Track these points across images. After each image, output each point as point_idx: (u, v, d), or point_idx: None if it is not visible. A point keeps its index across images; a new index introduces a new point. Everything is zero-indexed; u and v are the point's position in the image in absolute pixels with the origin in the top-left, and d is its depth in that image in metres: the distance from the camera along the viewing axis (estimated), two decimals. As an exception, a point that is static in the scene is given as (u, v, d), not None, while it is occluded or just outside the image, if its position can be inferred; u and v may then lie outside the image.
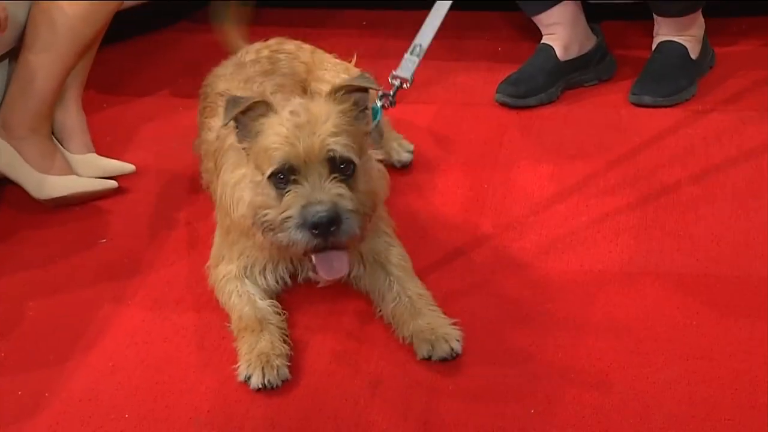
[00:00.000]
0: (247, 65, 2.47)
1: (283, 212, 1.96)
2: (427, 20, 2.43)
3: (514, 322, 2.19)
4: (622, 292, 2.26)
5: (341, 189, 1.95)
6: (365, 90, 2.04)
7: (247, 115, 2.03)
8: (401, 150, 2.78)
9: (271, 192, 1.99)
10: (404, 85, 2.37)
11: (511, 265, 2.38)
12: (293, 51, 2.60)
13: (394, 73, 2.38)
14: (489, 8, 3.71)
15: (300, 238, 1.94)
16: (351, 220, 1.94)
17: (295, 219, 1.94)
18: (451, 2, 2.43)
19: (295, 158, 1.95)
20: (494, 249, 2.44)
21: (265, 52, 2.54)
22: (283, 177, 1.97)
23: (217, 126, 2.32)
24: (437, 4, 2.44)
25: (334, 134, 1.96)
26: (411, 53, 2.40)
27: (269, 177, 1.98)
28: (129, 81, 3.42)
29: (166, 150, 2.96)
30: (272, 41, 2.63)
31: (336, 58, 2.69)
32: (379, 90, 2.06)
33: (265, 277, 2.23)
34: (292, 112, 2.00)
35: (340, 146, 1.95)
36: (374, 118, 2.27)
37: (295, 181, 1.96)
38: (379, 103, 2.31)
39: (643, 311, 2.20)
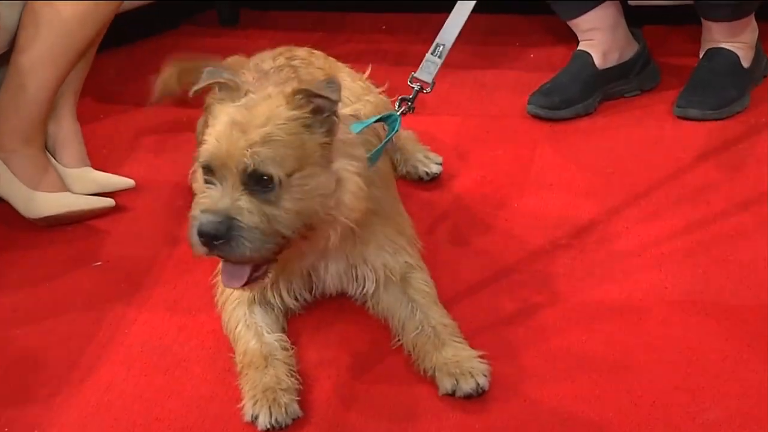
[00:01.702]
0: (271, 74, 2.50)
1: (192, 210, 2.03)
2: (451, 16, 2.43)
3: (546, 357, 2.19)
4: (666, 323, 2.26)
5: (246, 203, 1.97)
6: (338, 90, 2.03)
7: (219, 92, 2.09)
8: (429, 162, 2.82)
9: (202, 185, 2.06)
10: (425, 90, 2.38)
11: (543, 293, 2.39)
12: (306, 57, 2.63)
13: (413, 75, 2.39)
14: (520, 11, 3.73)
15: (194, 241, 2.00)
16: (243, 239, 1.96)
17: (193, 221, 1.99)
18: None
19: (216, 159, 2.00)
20: (524, 275, 2.45)
21: (281, 60, 2.57)
22: (208, 173, 2.03)
23: None
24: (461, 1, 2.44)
25: (263, 143, 1.97)
26: (432, 53, 2.40)
27: (201, 168, 2.05)
28: (128, 89, 3.45)
29: (168, 163, 2.99)
30: (280, 49, 2.66)
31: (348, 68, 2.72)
32: (336, 102, 2.03)
33: (280, 296, 2.26)
34: (239, 107, 2.03)
35: (261, 158, 1.96)
36: (392, 127, 2.29)
37: (213, 182, 2.01)
38: (398, 113, 2.33)
39: (688, 344, 2.20)
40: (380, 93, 2.71)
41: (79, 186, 2.77)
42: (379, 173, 2.27)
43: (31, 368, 2.26)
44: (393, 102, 2.67)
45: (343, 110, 2.24)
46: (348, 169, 2.07)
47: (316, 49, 2.71)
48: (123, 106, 3.33)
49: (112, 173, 2.85)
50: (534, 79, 3.22)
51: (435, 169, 2.82)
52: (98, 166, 2.85)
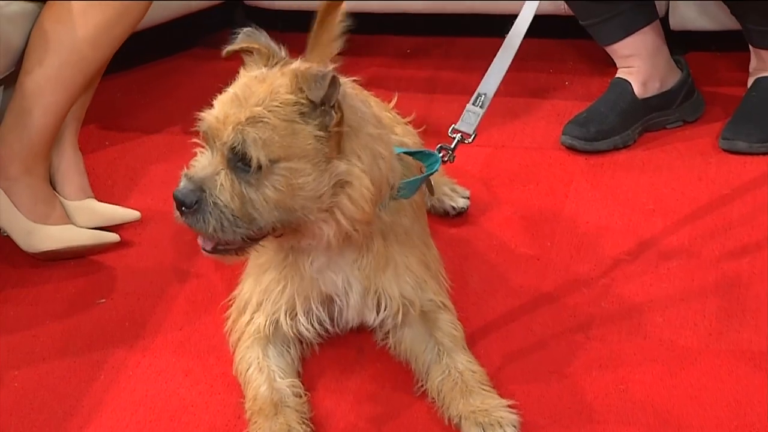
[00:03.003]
0: None
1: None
2: (493, 64, 2.48)
3: (581, 408, 2.19)
4: (710, 373, 2.26)
5: (224, 178, 2.03)
6: (334, 86, 2.03)
7: (253, 56, 2.14)
8: (455, 195, 2.83)
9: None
10: (466, 140, 2.42)
11: (578, 336, 2.38)
12: None
13: (454, 126, 2.44)
14: (554, 35, 3.74)
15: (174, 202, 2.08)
16: (209, 214, 2.03)
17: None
18: (520, 41, 2.47)
19: (211, 129, 2.07)
20: (558, 318, 2.45)
21: None
22: (204, 139, 2.11)
23: None
24: (504, 45, 2.48)
25: (252, 123, 2.01)
26: (474, 103, 2.45)
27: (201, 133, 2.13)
28: (134, 115, 3.48)
29: (176, 195, 3.01)
30: None
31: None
32: (331, 95, 2.03)
33: (299, 322, 2.27)
34: (251, 77, 2.08)
35: (246, 137, 2.01)
36: (430, 167, 2.31)
37: (206, 146, 2.09)
38: (439, 154, 2.36)
39: (735, 397, 2.19)
40: (407, 124, 2.73)
41: (82, 219, 2.78)
42: (411, 202, 2.28)
43: (27, 413, 2.27)
44: (420, 134, 2.69)
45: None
46: (358, 173, 2.07)
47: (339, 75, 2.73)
48: (129, 134, 3.36)
49: (117, 205, 2.87)
50: (569, 109, 3.24)
51: (462, 203, 2.83)
52: (102, 198, 2.87)
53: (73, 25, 2.63)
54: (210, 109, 2.09)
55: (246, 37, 2.16)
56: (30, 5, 2.72)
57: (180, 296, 2.60)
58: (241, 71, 2.13)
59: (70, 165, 2.83)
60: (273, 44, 2.15)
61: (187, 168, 2.09)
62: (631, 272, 2.59)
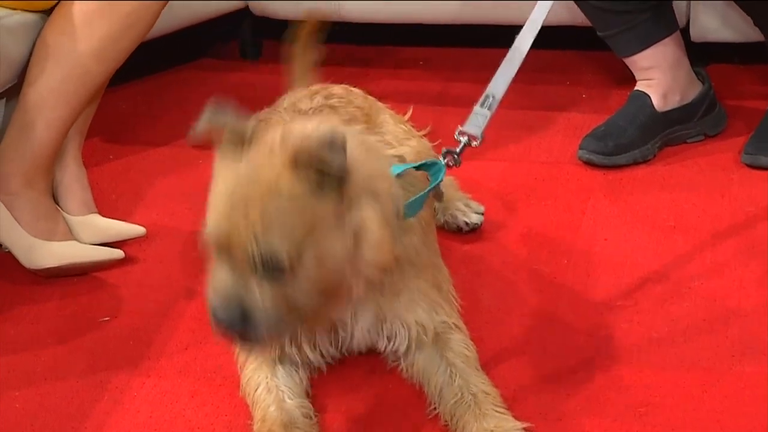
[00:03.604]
0: (309, 114, 2.52)
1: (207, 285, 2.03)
2: (502, 66, 2.46)
3: (599, 431, 2.18)
4: (736, 396, 2.24)
5: (258, 288, 1.95)
6: (342, 152, 1.96)
7: (224, 141, 2.05)
8: (469, 211, 2.83)
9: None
10: (473, 143, 2.41)
11: (595, 358, 2.38)
12: (344, 95, 2.65)
13: (460, 128, 2.41)
14: (571, 46, 3.75)
15: (212, 322, 2.01)
16: (260, 326, 1.96)
17: (209, 302, 2.01)
18: (530, 45, 2.46)
19: (220, 242, 1.98)
20: (575, 340, 2.44)
21: (319, 99, 2.59)
22: (215, 249, 2.01)
23: None
24: (514, 47, 2.48)
25: (266, 224, 1.93)
26: (482, 105, 2.43)
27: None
28: (140, 127, 3.49)
29: (183, 210, 3.02)
30: (316, 87, 2.68)
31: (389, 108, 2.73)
32: (342, 162, 1.95)
33: (304, 352, 2.27)
34: (239, 172, 1.98)
35: (266, 242, 1.93)
36: (435, 177, 2.30)
37: (220, 257, 2.00)
38: (443, 161, 2.35)
39: (764, 421, 2.18)
40: (422, 137, 2.73)
41: (85, 235, 2.79)
42: (419, 220, 2.27)
43: (28, 435, 2.27)
44: (435, 147, 2.69)
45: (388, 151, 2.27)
46: (368, 215, 2.03)
47: (353, 87, 2.74)
48: (133, 147, 3.37)
49: (121, 220, 2.87)
50: (586, 122, 3.23)
51: (475, 219, 2.83)
52: (106, 213, 2.87)
53: (76, 38, 2.64)
54: (208, 218, 2.00)
55: (211, 118, 2.05)
56: (32, 16, 2.73)
57: (186, 314, 2.60)
58: (217, 161, 2.04)
59: (73, 179, 2.84)
60: (240, 120, 2.04)
61: (210, 282, 2.00)
62: (650, 291, 2.58)
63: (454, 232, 2.82)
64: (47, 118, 2.65)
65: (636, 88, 3.22)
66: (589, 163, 3.10)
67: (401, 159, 2.34)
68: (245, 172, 1.97)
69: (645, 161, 3.11)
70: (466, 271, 2.66)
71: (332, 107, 2.56)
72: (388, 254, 2.07)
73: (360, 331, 2.25)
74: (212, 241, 1.99)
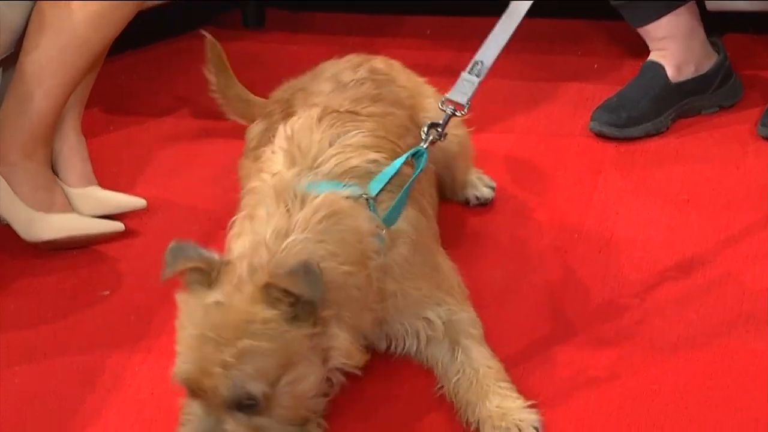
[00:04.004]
0: (350, 86, 2.52)
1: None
2: (495, 30, 2.43)
3: (609, 408, 2.18)
4: (752, 372, 2.23)
5: (232, 426, 1.96)
6: (318, 280, 1.95)
7: (189, 275, 2.04)
8: (480, 184, 2.82)
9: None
10: (458, 113, 2.38)
11: (606, 334, 2.38)
12: (387, 71, 2.64)
13: (445, 96, 2.39)
14: (582, 15, 3.73)
15: None
16: None
17: None
18: (527, 8, 2.42)
19: (192, 381, 1.98)
20: (584, 316, 2.44)
21: (363, 72, 2.58)
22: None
23: None
24: (509, 12, 2.44)
25: (239, 361, 1.93)
26: (470, 72, 2.40)
27: None
28: (141, 98, 3.48)
29: (184, 182, 3.02)
30: (356, 58, 2.67)
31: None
32: (318, 295, 1.95)
33: None
34: (209, 308, 1.97)
35: (238, 380, 1.94)
36: (417, 165, 2.28)
37: (193, 395, 2.00)
38: (426, 141, 2.32)
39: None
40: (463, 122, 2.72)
41: (85, 207, 2.79)
42: (410, 223, 2.25)
43: (27, 414, 2.27)
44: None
45: (353, 161, 2.23)
46: (336, 332, 2.03)
47: (392, 60, 2.73)
48: (135, 117, 3.36)
49: (122, 193, 2.87)
50: (598, 93, 3.22)
51: (487, 193, 2.82)
52: (106, 185, 2.87)
53: (72, 6, 2.63)
54: (178, 356, 2.00)
55: (175, 260, 2.03)
56: (29, -15, 2.72)
57: (188, 289, 2.59)
58: (183, 298, 2.03)
59: (72, 150, 2.84)
60: (204, 253, 2.03)
61: (182, 425, 2.01)
62: (663, 266, 2.58)
63: (462, 205, 2.81)
64: (45, 88, 2.64)
65: (649, 58, 3.20)
66: (600, 136, 3.09)
67: (375, 161, 2.26)
68: (214, 308, 1.97)
69: (658, 133, 3.10)
70: (474, 244, 2.66)
71: (376, 82, 2.55)
72: (357, 360, 2.08)
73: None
74: (183, 380, 1.98)
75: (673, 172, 2.94)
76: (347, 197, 2.16)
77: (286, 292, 1.94)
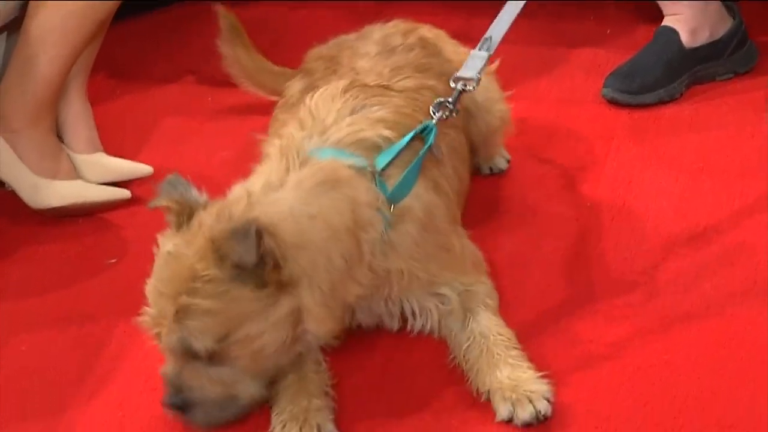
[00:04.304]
0: (398, 51, 2.53)
1: None
2: (505, 8, 2.45)
3: (622, 378, 2.18)
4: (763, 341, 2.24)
5: (190, 374, 2.02)
6: (261, 238, 1.95)
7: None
8: (497, 155, 2.82)
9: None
10: (468, 88, 2.38)
11: (619, 304, 2.37)
12: (435, 41, 2.65)
13: (456, 74, 2.39)
14: (595, -20, 3.71)
15: None
16: (198, 412, 2.04)
17: None
18: None
19: (151, 327, 2.05)
20: (598, 284, 2.44)
21: (412, 39, 2.59)
22: None
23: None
24: None
25: (183, 315, 1.97)
26: (480, 48, 2.41)
27: None
28: (146, 63, 3.47)
29: (191, 149, 3.01)
30: (403, 24, 2.66)
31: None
32: (256, 257, 1.95)
33: None
34: (164, 260, 2.03)
35: (182, 333, 1.98)
36: (426, 140, 2.27)
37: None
38: (434, 119, 2.31)
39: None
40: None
41: (91, 174, 2.79)
42: (421, 202, 2.23)
43: (33, 381, 2.28)
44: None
45: (365, 133, 2.23)
46: (304, 296, 2.03)
47: (438, 29, 2.73)
48: (140, 83, 3.35)
49: (128, 159, 2.87)
50: (611, 59, 3.20)
51: (502, 164, 2.83)
52: (112, 152, 2.87)
53: None
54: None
55: (163, 193, 2.08)
56: (33, -51, 2.71)
57: (195, 257, 2.59)
58: (159, 239, 2.08)
59: (78, 117, 2.84)
60: (186, 194, 2.07)
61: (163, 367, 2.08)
62: (676, 235, 2.57)
63: (475, 173, 2.80)
64: (50, 53, 2.64)
65: (663, 23, 3.18)
66: (613, 102, 3.08)
67: (384, 137, 2.25)
68: (167, 258, 2.02)
69: (672, 100, 3.09)
70: (484, 215, 2.65)
71: (425, 50, 2.55)
72: (331, 327, 2.10)
73: (368, 315, 2.27)
74: (144, 326, 2.05)
75: (687, 139, 2.93)
76: (350, 166, 2.17)
77: (225, 252, 1.96)
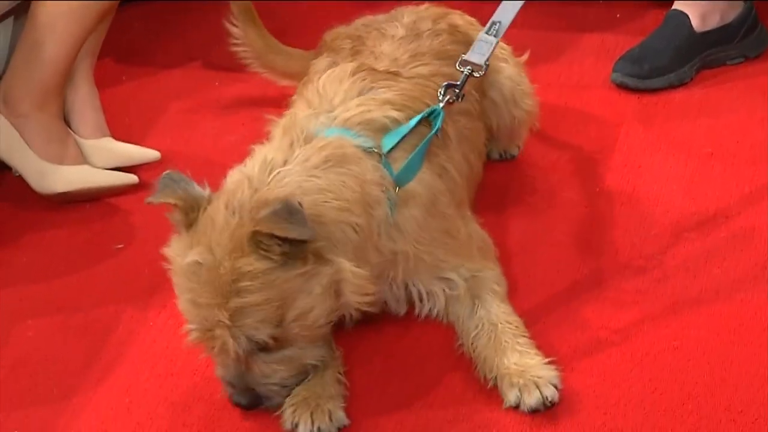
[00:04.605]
0: (424, 36, 2.52)
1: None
2: None
3: (630, 365, 2.18)
4: (771, 329, 2.25)
5: (258, 367, 2.06)
6: (302, 217, 1.97)
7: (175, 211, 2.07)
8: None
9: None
10: (475, 73, 2.38)
11: (628, 291, 2.38)
12: (465, 28, 2.64)
13: (463, 57, 2.38)
14: (605, -36, 3.70)
15: None
16: (276, 396, 2.09)
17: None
18: None
19: (203, 339, 2.05)
20: (607, 271, 2.44)
21: (443, 25, 2.58)
22: None
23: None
24: None
25: (239, 316, 1.99)
26: (487, 32, 2.40)
27: None
28: (153, 48, 3.47)
29: (198, 134, 3.01)
30: (434, 9, 2.66)
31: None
32: (308, 238, 1.98)
33: None
34: (192, 271, 2.01)
35: (242, 334, 2.00)
36: (434, 125, 2.27)
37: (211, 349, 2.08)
38: (442, 101, 2.31)
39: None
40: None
41: (98, 159, 2.79)
42: (425, 186, 2.23)
43: (41, 366, 2.29)
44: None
45: (372, 114, 2.23)
46: (341, 267, 2.05)
47: (469, 16, 2.72)
48: (147, 68, 3.35)
49: (135, 144, 2.87)
50: (621, 43, 3.20)
51: (514, 150, 2.83)
52: (119, 137, 2.87)
53: None
54: (182, 312, 2.06)
55: (163, 189, 2.07)
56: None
57: (202, 242, 2.60)
58: (169, 251, 2.08)
59: (85, 101, 2.84)
60: (189, 190, 2.06)
61: (217, 372, 2.10)
62: (685, 220, 2.58)
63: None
64: (57, 37, 2.64)
65: (673, 7, 3.17)
66: (622, 87, 3.08)
67: (391, 118, 2.26)
68: (196, 268, 2.00)
69: (682, 85, 3.08)
70: (495, 201, 2.65)
71: (453, 37, 2.55)
72: (370, 295, 2.11)
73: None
74: (196, 341, 2.05)
75: (697, 124, 2.93)
76: (356, 146, 2.17)
77: (275, 237, 1.95)
